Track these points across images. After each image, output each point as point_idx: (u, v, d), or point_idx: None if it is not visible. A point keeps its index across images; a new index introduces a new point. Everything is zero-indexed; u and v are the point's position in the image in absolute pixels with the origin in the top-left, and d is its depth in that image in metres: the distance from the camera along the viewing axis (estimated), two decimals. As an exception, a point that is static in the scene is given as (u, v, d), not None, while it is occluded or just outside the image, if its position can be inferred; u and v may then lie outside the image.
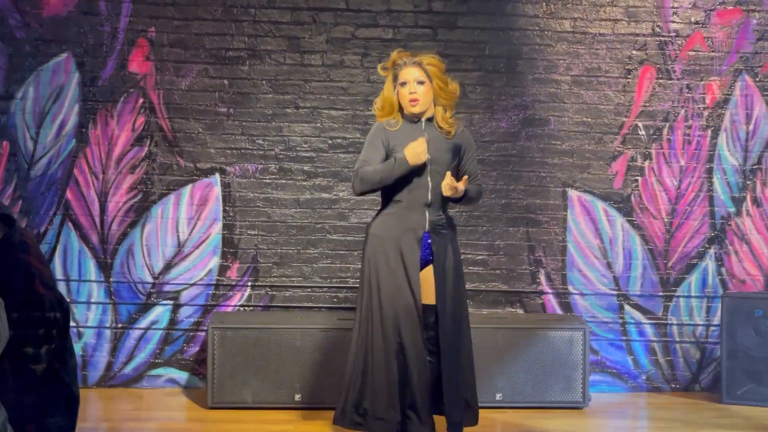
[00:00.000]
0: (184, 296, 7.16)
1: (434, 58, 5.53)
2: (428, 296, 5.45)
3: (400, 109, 5.52)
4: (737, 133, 7.34)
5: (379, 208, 5.63)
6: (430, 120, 5.54)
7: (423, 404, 5.39)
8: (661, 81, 7.30)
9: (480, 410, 6.56)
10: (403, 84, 5.44)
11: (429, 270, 5.47)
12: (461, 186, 5.35)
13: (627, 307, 7.29)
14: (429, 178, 5.42)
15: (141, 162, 7.15)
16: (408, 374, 5.36)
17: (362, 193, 5.51)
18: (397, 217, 5.45)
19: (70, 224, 7.10)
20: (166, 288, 7.15)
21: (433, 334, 5.45)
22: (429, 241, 5.45)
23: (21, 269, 4.00)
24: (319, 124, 7.20)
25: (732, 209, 7.34)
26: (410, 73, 5.43)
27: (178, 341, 7.15)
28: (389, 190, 5.48)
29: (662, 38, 7.30)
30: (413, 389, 5.37)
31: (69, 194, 7.10)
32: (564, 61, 7.27)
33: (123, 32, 7.12)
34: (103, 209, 7.13)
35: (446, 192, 5.36)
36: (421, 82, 5.43)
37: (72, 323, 6.84)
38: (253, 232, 7.19)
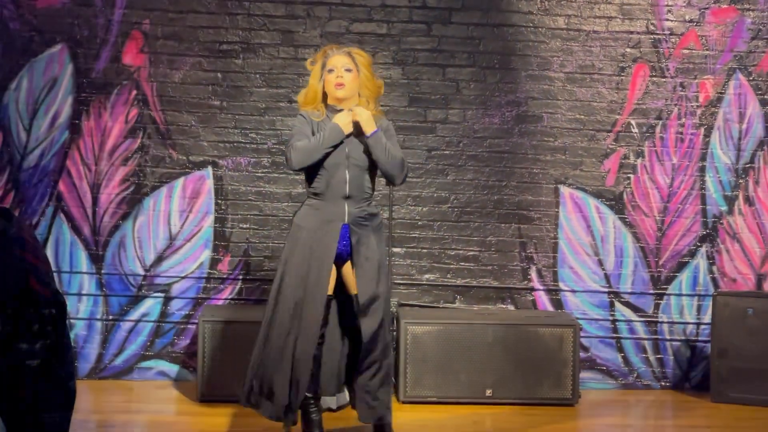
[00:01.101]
0: (175, 289, 7.16)
1: (363, 51, 5.74)
2: (353, 287, 5.60)
3: (324, 100, 5.63)
4: (730, 132, 7.34)
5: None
6: None
7: (296, 396, 5.54)
8: (654, 79, 7.30)
9: (470, 406, 6.61)
10: (331, 71, 5.57)
11: (348, 264, 5.61)
12: (360, 111, 5.50)
13: (618, 305, 7.30)
14: (347, 171, 5.53)
15: (134, 154, 7.15)
16: (294, 361, 5.50)
17: (299, 166, 5.53)
18: (317, 209, 5.57)
19: (62, 215, 7.09)
20: (158, 280, 7.15)
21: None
22: (348, 233, 5.55)
23: (16, 264, 4.00)
24: (312, 119, 7.19)
25: (724, 208, 7.35)
26: (338, 60, 5.58)
27: (168, 334, 7.15)
28: (310, 181, 5.59)
29: (656, 36, 7.30)
30: (295, 377, 5.50)
31: (61, 185, 7.09)
32: (558, 58, 7.27)
33: (117, 24, 7.11)
34: (95, 201, 7.12)
35: (354, 117, 5.51)
36: (348, 70, 5.57)
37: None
38: (244, 226, 7.19)
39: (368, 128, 5.54)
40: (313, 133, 5.54)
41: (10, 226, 4.08)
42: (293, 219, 5.65)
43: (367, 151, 5.58)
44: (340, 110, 5.60)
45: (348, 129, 5.54)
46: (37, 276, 4.06)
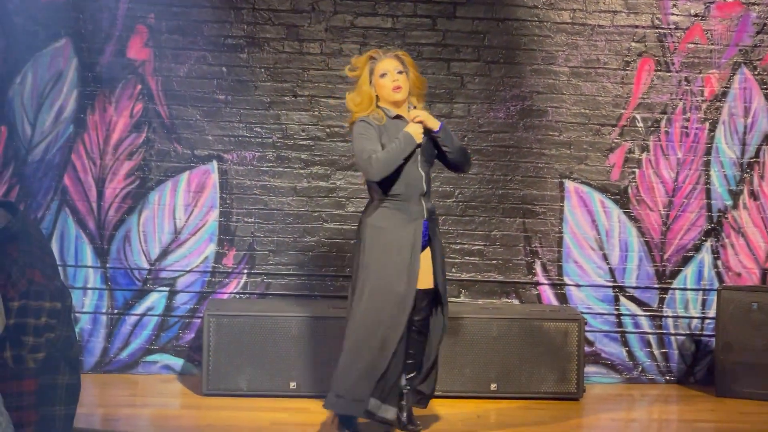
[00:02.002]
0: (180, 283, 7.16)
1: (406, 53, 5.86)
2: (422, 281, 5.70)
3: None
4: (735, 126, 7.34)
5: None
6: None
7: (394, 390, 5.68)
8: (659, 73, 7.30)
9: (475, 400, 6.62)
10: (384, 75, 5.67)
11: (424, 255, 5.72)
12: (419, 113, 5.68)
13: (622, 299, 7.30)
14: (420, 170, 5.67)
15: (139, 148, 7.15)
16: (390, 361, 5.58)
17: (381, 177, 5.60)
18: (397, 209, 5.66)
19: (67, 210, 7.10)
20: (163, 274, 7.16)
21: (424, 316, 5.75)
22: (426, 228, 5.72)
23: (22, 259, 4.01)
24: (317, 113, 7.20)
25: (729, 202, 7.34)
26: (389, 64, 5.70)
27: (173, 328, 7.15)
28: (386, 185, 5.65)
29: (661, 30, 7.29)
30: (390, 375, 5.61)
31: (66, 180, 7.10)
32: (563, 52, 7.26)
33: (122, 18, 7.11)
34: (100, 195, 7.13)
35: (421, 121, 5.67)
36: (400, 72, 5.69)
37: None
38: (249, 220, 7.19)
39: (434, 124, 5.71)
40: (380, 137, 5.63)
41: (17, 220, 4.08)
42: (366, 221, 5.66)
43: (431, 145, 5.75)
44: (397, 115, 5.69)
45: (420, 138, 5.67)
46: (42, 270, 4.06)
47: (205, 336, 6.60)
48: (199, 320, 7.10)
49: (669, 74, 7.30)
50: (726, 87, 7.32)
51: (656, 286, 7.32)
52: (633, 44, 7.28)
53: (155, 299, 7.15)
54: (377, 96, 5.70)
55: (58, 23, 7.06)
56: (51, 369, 4.10)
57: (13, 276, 4.00)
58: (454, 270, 7.24)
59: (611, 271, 7.30)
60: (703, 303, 7.32)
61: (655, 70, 7.29)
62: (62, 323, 4.13)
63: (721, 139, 7.33)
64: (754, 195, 7.34)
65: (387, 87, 5.66)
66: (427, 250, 5.72)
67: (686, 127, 7.32)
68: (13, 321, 3.96)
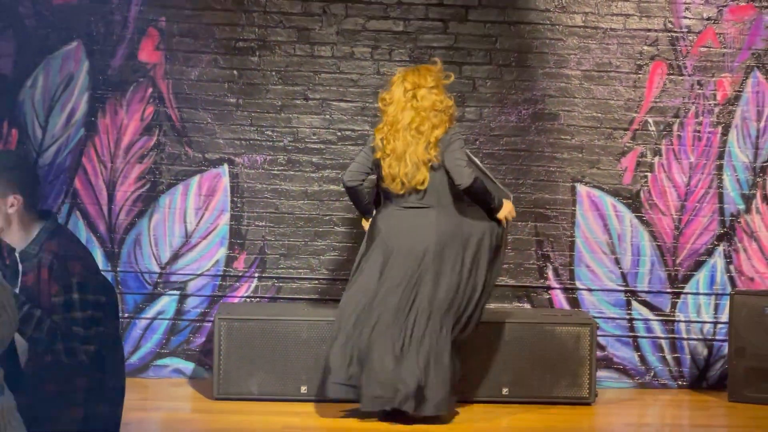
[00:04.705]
0: (191, 287, 7.15)
1: None
2: None
3: None
4: (748, 131, 7.31)
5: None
6: None
7: None
8: (672, 77, 7.27)
9: (486, 405, 6.61)
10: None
11: None
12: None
13: (634, 304, 7.27)
14: None
15: (149, 152, 7.14)
16: None
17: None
18: None
19: (77, 213, 7.09)
20: (173, 278, 7.15)
21: None
22: None
23: (62, 252, 4.05)
24: (328, 116, 7.18)
25: (741, 206, 7.31)
26: None
27: (184, 332, 7.14)
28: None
29: (674, 34, 7.27)
30: None
31: (77, 183, 7.09)
32: (575, 55, 7.24)
33: (133, 21, 7.10)
34: (111, 198, 7.12)
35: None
36: None
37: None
38: (260, 224, 7.18)
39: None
40: None
41: (51, 221, 4.15)
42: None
43: None
44: None
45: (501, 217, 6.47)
46: (86, 264, 4.10)
47: (215, 340, 6.58)
48: (209, 324, 7.08)
49: (681, 78, 7.27)
50: (739, 91, 7.30)
51: (668, 290, 7.29)
52: (645, 48, 7.26)
53: (166, 303, 7.14)
54: None
55: (70, 26, 7.05)
56: (99, 366, 4.12)
57: (55, 270, 4.02)
58: (465, 274, 7.21)
59: (623, 275, 7.27)
60: (716, 308, 7.29)
61: (668, 74, 7.27)
62: (109, 318, 4.15)
63: (734, 143, 7.31)
64: (766, 199, 7.31)
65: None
66: None
67: (699, 131, 7.29)
68: (60, 316, 3.99)
